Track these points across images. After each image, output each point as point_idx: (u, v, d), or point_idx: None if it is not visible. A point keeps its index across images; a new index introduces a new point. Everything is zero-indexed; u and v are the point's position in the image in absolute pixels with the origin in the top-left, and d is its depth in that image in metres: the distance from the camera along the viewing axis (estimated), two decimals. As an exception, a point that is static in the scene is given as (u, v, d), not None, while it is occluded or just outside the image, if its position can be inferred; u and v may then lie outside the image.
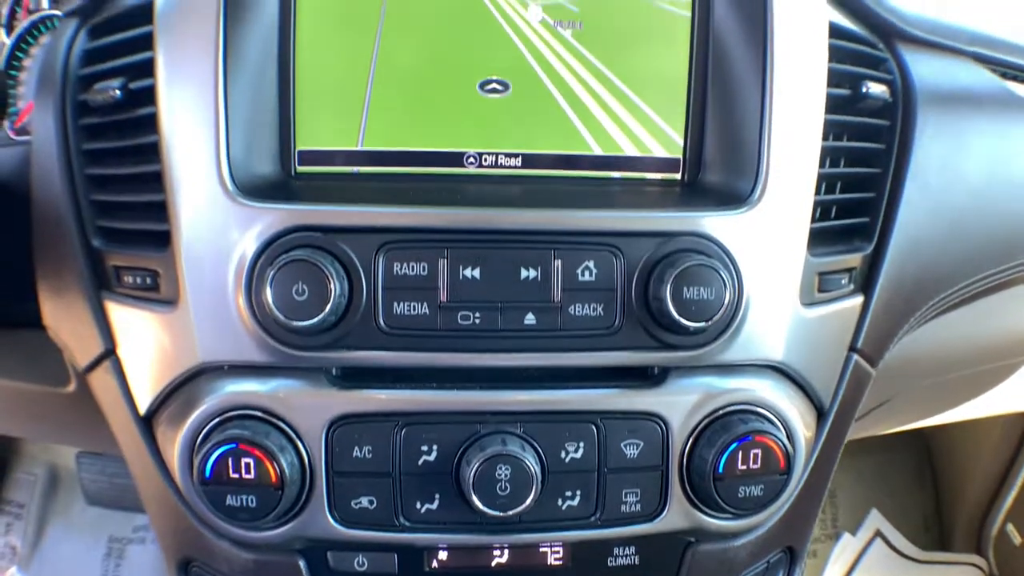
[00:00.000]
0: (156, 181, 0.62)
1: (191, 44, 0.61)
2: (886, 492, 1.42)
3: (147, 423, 0.65)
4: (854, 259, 0.70)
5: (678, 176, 0.68)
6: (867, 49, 0.73)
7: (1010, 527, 1.39)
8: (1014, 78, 0.84)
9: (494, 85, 0.65)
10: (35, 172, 0.66)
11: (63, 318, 0.67)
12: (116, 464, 1.22)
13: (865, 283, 0.72)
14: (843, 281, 0.70)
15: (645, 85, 0.66)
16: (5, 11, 0.87)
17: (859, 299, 0.71)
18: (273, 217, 0.59)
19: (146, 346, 0.64)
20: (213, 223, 0.60)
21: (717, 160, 0.66)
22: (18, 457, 1.58)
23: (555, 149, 0.66)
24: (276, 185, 0.64)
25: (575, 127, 0.66)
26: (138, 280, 0.64)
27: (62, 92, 0.65)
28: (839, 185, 0.70)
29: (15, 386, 0.79)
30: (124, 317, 0.64)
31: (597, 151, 0.67)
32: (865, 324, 0.71)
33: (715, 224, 0.61)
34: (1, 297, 0.73)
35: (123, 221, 0.65)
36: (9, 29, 0.86)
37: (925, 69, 0.75)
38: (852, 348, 0.71)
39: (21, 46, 0.85)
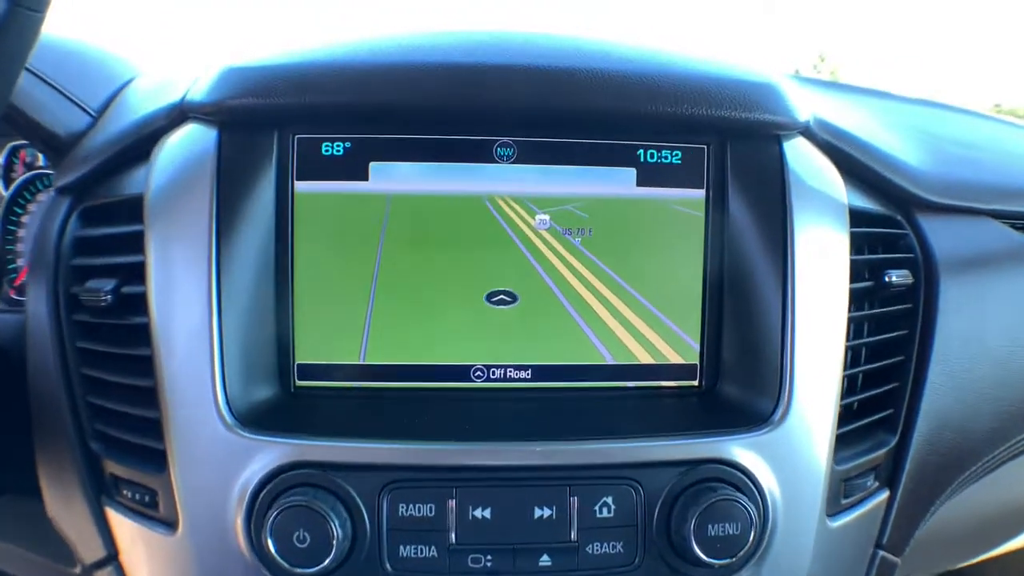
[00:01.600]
0: (151, 395, 0.59)
1: (183, 255, 0.59)
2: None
3: None
4: (879, 456, 0.67)
5: (695, 383, 0.65)
6: (887, 230, 0.71)
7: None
8: (1034, 229, 0.82)
9: (502, 296, 0.63)
10: (31, 359, 0.64)
11: (64, 515, 0.65)
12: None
13: (890, 477, 0.69)
14: (868, 482, 0.67)
15: (658, 290, 0.64)
16: (1, 161, 0.85)
17: (884, 495, 0.68)
18: (273, 453, 0.56)
19: (149, 561, 0.61)
20: (210, 453, 0.57)
21: (736, 369, 0.64)
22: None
23: (566, 360, 0.64)
24: (275, 407, 0.61)
25: (586, 336, 0.63)
26: (137, 496, 0.61)
27: (54, 281, 0.63)
28: (860, 378, 0.67)
29: (22, 553, 0.76)
30: (126, 528, 0.62)
31: (610, 360, 0.64)
32: (891, 520, 0.69)
33: (738, 450, 0.58)
34: (5, 465, 0.70)
35: (119, 431, 0.62)
36: (6, 181, 0.85)
37: (944, 238, 0.73)
38: (878, 545, 0.69)
39: (19, 200, 0.84)
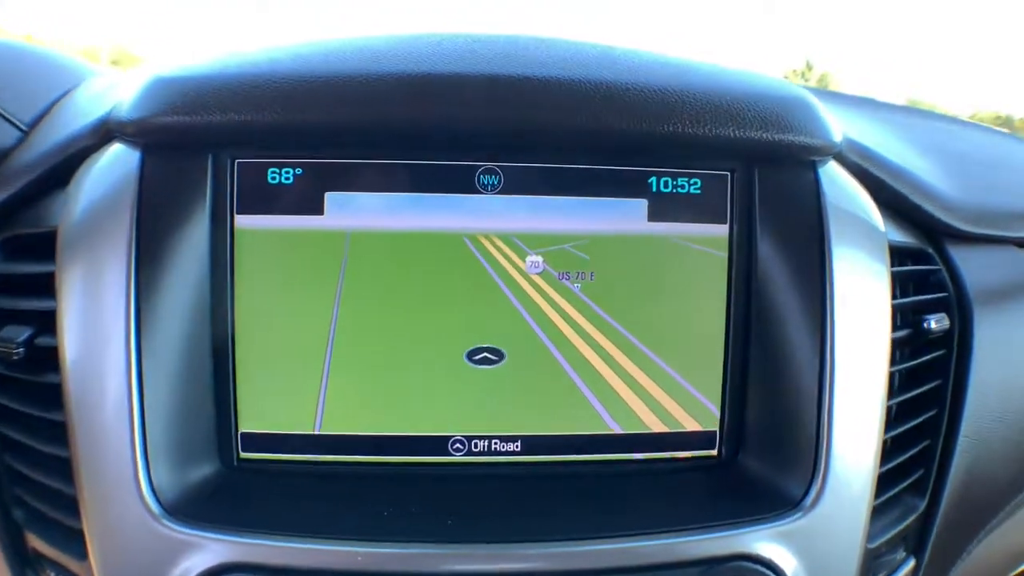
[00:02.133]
0: (68, 467, 0.49)
1: (98, 303, 0.49)
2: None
3: None
4: (908, 524, 0.59)
5: (713, 453, 0.55)
6: (920, 267, 0.63)
7: None
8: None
9: (485, 355, 0.52)
10: None
11: None
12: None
13: (916, 543, 0.61)
14: (897, 555, 0.59)
15: (672, 345, 0.54)
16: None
17: (910, 564, 0.61)
18: (208, 551, 0.47)
19: None
20: (134, 545, 0.48)
21: (761, 438, 0.54)
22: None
23: (562, 430, 0.54)
24: (214, 488, 0.51)
25: (586, 401, 0.53)
26: None
27: None
28: (890, 441, 0.58)
29: None
30: None
31: (615, 428, 0.54)
32: None
33: (764, 544, 0.49)
34: None
35: (39, 502, 0.53)
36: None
37: (974, 271, 0.65)
38: None
39: None
